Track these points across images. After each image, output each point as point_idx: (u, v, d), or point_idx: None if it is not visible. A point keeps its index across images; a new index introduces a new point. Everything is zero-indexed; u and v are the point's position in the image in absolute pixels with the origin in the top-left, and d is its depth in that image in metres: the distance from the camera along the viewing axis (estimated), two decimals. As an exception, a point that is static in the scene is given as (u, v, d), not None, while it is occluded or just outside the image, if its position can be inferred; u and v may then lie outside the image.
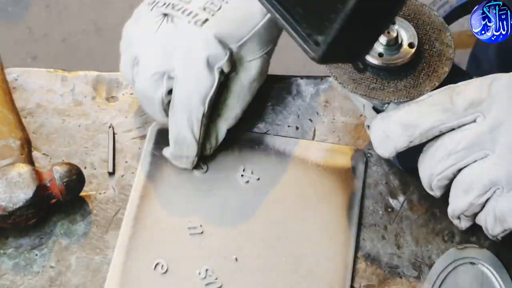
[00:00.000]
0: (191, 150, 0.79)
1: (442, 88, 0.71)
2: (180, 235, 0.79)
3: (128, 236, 0.79)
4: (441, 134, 0.70)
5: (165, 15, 0.78)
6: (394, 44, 0.73)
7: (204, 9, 0.78)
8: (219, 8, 0.78)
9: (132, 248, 0.78)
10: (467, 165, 0.69)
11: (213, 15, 0.78)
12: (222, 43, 0.77)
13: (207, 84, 0.77)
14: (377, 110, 0.75)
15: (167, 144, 0.83)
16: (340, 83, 0.75)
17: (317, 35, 0.56)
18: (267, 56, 0.82)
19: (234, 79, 0.81)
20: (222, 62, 0.77)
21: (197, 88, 0.77)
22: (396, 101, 0.72)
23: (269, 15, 0.78)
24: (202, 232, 0.79)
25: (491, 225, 0.71)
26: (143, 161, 0.83)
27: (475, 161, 0.68)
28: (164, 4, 0.79)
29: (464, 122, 0.69)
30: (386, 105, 0.74)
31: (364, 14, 0.55)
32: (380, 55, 0.74)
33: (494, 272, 0.75)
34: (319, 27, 0.56)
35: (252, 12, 0.79)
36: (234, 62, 0.79)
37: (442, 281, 0.75)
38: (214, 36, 0.77)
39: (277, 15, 0.58)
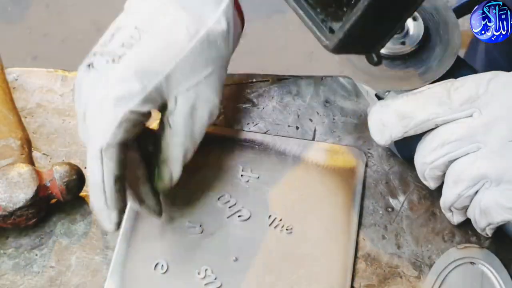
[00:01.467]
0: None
1: (441, 81, 0.71)
2: (180, 235, 0.79)
3: (128, 236, 0.79)
4: (437, 127, 0.71)
5: (89, 65, 0.72)
6: (400, 33, 0.74)
7: (123, 44, 0.71)
8: (139, 40, 0.71)
9: (132, 248, 0.78)
10: (459, 157, 0.70)
11: (130, 48, 0.70)
12: (141, 78, 0.69)
13: (109, 126, 0.68)
14: (379, 98, 0.76)
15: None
16: (347, 73, 0.76)
17: (333, 21, 0.53)
18: (212, 80, 0.73)
19: (172, 113, 0.73)
20: (136, 101, 0.69)
21: (98, 134, 0.69)
22: (395, 90, 0.73)
23: (201, 35, 0.71)
24: (202, 232, 0.80)
25: (478, 218, 0.72)
26: None
27: (468, 153, 0.69)
28: (90, 54, 0.73)
29: (459, 117, 0.69)
30: (387, 93, 0.74)
31: (386, 4, 0.53)
32: None
33: (494, 272, 0.75)
34: (336, 14, 0.53)
35: (176, 37, 0.71)
36: (163, 95, 0.71)
37: (442, 281, 0.75)
38: (131, 72, 0.69)
39: None
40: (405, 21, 0.67)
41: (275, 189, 0.82)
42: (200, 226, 0.80)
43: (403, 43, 0.74)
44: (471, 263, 0.76)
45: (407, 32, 0.74)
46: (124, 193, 0.72)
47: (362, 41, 0.58)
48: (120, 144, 0.69)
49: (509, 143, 0.67)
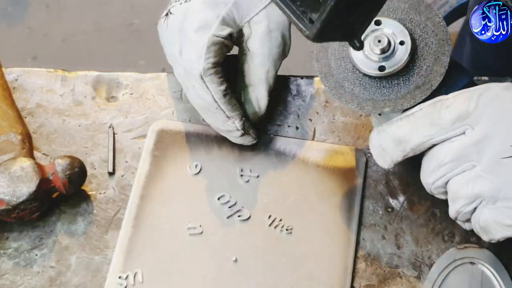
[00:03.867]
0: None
1: (432, 100, 0.71)
2: (180, 235, 0.79)
3: (128, 236, 0.79)
4: (434, 145, 0.71)
5: (166, 14, 0.81)
6: (387, 51, 0.72)
7: None
8: None
9: (132, 248, 0.78)
10: (456, 175, 0.70)
11: None
12: (213, 7, 0.79)
13: (201, 52, 0.78)
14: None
15: (167, 144, 0.83)
16: (334, 95, 0.74)
17: (312, 12, 0.56)
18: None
19: (249, 37, 0.82)
20: (215, 25, 0.79)
21: (193, 62, 0.78)
22: (386, 112, 0.73)
23: None
24: (201, 232, 0.80)
25: (480, 233, 0.72)
26: (143, 161, 0.83)
27: (464, 171, 0.69)
28: (168, 5, 0.82)
29: (453, 135, 0.69)
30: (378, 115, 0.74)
31: None
32: (380, 67, 0.73)
33: (494, 272, 0.75)
34: (314, 5, 0.56)
35: None
36: (236, 20, 0.81)
37: (442, 281, 0.75)
38: (203, 4, 0.79)
39: None
40: (380, 9, 0.67)
41: (275, 189, 0.82)
42: (200, 226, 0.80)
43: (386, 62, 0.72)
44: (471, 263, 0.76)
45: (393, 51, 0.72)
46: (236, 101, 0.81)
47: (341, 28, 0.59)
48: (215, 65, 0.78)
49: (500, 160, 0.67)
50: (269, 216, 0.80)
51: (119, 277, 0.77)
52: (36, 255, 0.79)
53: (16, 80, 0.90)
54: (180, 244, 0.79)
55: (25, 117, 0.87)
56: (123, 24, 2.01)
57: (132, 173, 0.83)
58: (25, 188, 0.76)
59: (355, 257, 0.78)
